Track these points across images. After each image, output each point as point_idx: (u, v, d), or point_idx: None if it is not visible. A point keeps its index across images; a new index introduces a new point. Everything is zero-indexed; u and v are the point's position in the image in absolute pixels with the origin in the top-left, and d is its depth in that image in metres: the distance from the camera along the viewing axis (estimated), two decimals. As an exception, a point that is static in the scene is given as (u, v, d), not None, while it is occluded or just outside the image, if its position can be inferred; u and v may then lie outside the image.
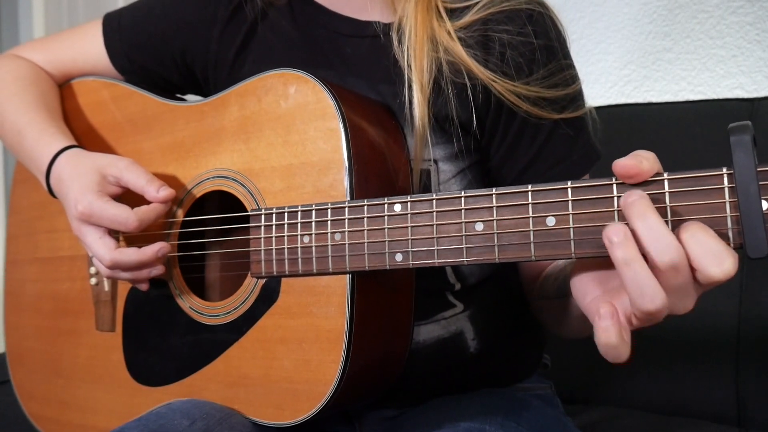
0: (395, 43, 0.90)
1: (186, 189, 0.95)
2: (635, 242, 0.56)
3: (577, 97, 0.91)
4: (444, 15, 0.89)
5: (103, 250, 0.90)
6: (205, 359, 0.91)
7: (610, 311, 0.58)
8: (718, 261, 0.54)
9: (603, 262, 0.62)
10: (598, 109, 0.94)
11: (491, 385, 0.98)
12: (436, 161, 0.90)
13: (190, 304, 0.94)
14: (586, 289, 0.64)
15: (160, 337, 0.96)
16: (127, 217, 0.88)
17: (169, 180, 0.97)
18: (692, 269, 0.56)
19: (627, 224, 0.57)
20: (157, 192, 0.91)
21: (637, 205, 0.57)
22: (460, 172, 0.91)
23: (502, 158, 0.91)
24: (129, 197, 0.93)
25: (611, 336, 0.58)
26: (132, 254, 0.90)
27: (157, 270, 0.92)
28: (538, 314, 0.97)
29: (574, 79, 0.90)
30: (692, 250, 0.55)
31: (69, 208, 0.93)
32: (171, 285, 0.96)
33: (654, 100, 1.61)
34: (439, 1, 0.90)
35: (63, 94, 1.14)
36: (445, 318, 0.92)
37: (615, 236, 0.56)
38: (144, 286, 0.95)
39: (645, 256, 0.56)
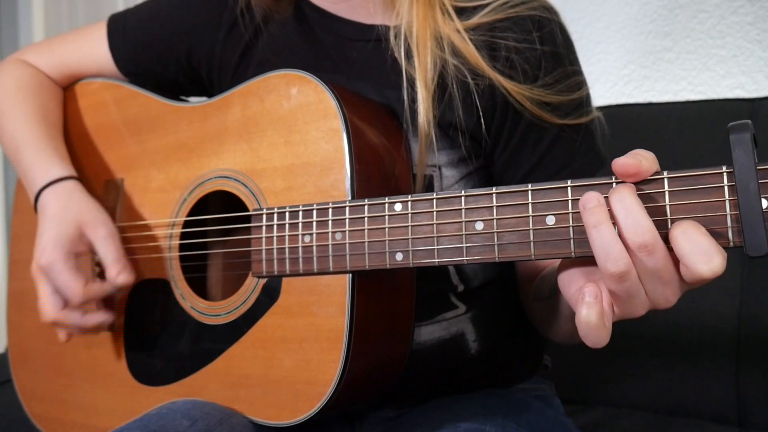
0: (399, 44, 0.90)
1: (189, 189, 0.95)
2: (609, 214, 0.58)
3: (584, 103, 0.90)
4: (452, 13, 0.89)
5: (49, 306, 0.95)
6: (205, 359, 0.91)
7: (595, 291, 0.59)
8: (706, 258, 0.54)
9: (593, 258, 0.63)
10: (598, 109, 0.94)
11: (491, 385, 0.98)
12: (439, 167, 0.90)
13: (191, 303, 0.94)
14: (571, 280, 0.65)
15: (162, 336, 0.97)
16: (76, 293, 0.93)
17: (172, 180, 0.97)
18: (676, 263, 0.57)
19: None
20: (115, 276, 0.94)
21: (618, 189, 0.58)
22: (464, 178, 0.91)
23: (505, 163, 0.91)
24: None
25: (592, 314, 0.58)
26: (74, 319, 0.95)
27: (91, 332, 0.99)
28: (532, 318, 0.97)
29: (580, 85, 0.90)
30: (682, 247, 0.55)
31: (36, 250, 0.96)
32: (173, 285, 0.96)
33: (654, 100, 1.61)
34: (446, 0, 0.90)
35: (67, 96, 1.15)
36: (446, 319, 0.92)
37: (588, 203, 0.58)
38: (62, 335, 0.99)
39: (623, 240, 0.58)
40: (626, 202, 0.57)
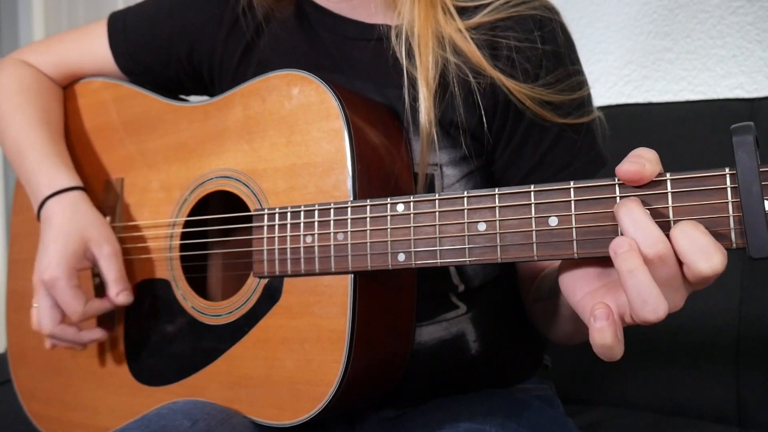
0: (400, 43, 0.90)
1: (190, 189, 0.95)
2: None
3: (585, 103, 0.91)
4: (454, 13, 0.89)
5: (47, 320, 0.96)
6: (206, 359, 0.91)
7: (606, 312, 0.58)
8: (706, 256, 0.54)
9: (594, 259, 0.63)
10: (598, 109, 0.94)
11: (492, 385, 0.98)
12: (440, 165, 0.90)
13: (192, 303, 0.94)
14: (575, 285, 0.64)
15: (162, 336, 0.97)
16: (75, 310, 0.94)
17: (172, 180, 0.97)
18: (680, 264, 0.56)
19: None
20: (116, 296, 0.96)
21: (625, 202, 0.57)
22: (465, 177, 0.91)
23: (507, 162, 0.91)
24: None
25: (606, 337, 0.58)
26: (69, 334, 0.97)
27: (78, 348, 1.00)
28: (532, 318, 0.97)
29: (581, 85, 0.90)
30: (681, 245, 0.55)
31: (39, 262, 0.96)
32: (173, 285, 0.96)
33: (654, 100, 1.61)
34: (448, 0, 0.90)
35: (67, 95, 1.14)
36: (447, 319, 0.92)
37: (619, 248, 0.56)
38: (48, 344, 1.00)
39: None
40: (634, 214, 0.56)
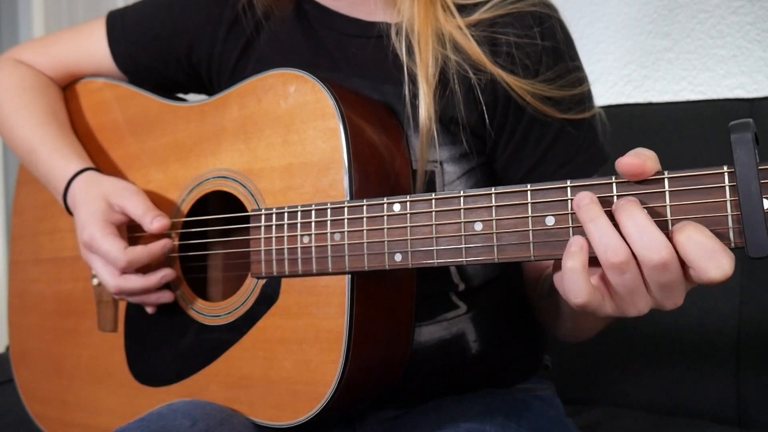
0: (400, 40, 0.90)
1: (187, 189, 0.95)
2: (626, 242, 0.58)
3: (585, 98, 0.91)
4: (453, 10, 0.89)
5: (107, 276, 0.94)
6: (206, 359, 0.91)
7: (580, 242, 0.60)
8: (715, 262, 0.54)
9: (589, 259, 0.63)
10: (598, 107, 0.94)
11: (492, 385, 0.98)
12: (441, 162, 0.90)
13: (191, 304, 0.94)
14: None
15: (162, 337, 0.97)
16: (116, 256, 0.91)
17: (170, 180, 0.97)
18: (684, 267, 0.57)
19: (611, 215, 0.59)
20: (150, 223, 0.93)
21: (627, 205, 0.58)
22: (465, 174, 0.91)
23: (508, 159, 0.91)
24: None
25: (576, 261, 0.59)
26: (135, 281, 0.93)
27: (165, 297, 0.95)
28: (539, 316, 0.97)
29: (581, 81, 0.90)
30: (689, 252, 0.55)
31: (78, 234, 0.96)
32: (172, 285, 0.96)
33: (654, 100, 1.61)
34: None
35: (66, 95, 1.14)
36: (447, 319, 0.92)
37: (582, 201, 0.60)
38: (150, 309, 0.97)
39: (635, 258, 0.58)
40: (637, 218, 0.57)
